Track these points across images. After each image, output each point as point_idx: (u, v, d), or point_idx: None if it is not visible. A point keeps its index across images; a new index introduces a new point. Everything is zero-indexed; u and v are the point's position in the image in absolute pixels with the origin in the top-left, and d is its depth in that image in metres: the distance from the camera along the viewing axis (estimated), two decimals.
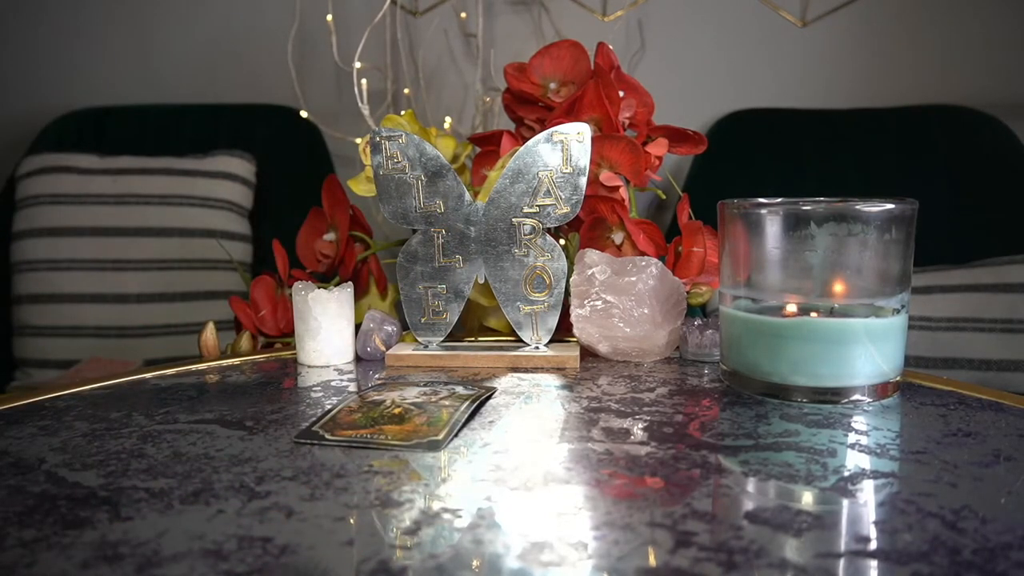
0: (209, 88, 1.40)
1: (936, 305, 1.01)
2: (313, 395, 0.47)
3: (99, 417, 0.42)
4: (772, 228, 0.43)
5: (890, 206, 0.42)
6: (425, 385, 0.47)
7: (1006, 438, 0.37)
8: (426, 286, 0.55)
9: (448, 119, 1.07)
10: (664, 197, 0.70)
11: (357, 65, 1.03)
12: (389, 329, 0.56)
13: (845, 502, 0.30)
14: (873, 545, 0.27)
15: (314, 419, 0.41)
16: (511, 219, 0.53)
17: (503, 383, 0.49)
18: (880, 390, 0.43)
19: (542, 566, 0.25)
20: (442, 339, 0.56)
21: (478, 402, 0.43)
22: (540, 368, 0.52)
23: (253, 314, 0.64)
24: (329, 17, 1.21)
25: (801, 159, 1.23)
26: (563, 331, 0.57)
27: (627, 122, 0.63)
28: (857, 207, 0.41)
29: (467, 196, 0.54)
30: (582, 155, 0.52)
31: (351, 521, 0.29)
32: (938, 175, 1.18)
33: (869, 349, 0.42)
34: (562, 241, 0.61)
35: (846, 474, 0.33)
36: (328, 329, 0.54)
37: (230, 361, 0.57)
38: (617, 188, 0.60)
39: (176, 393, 0.47)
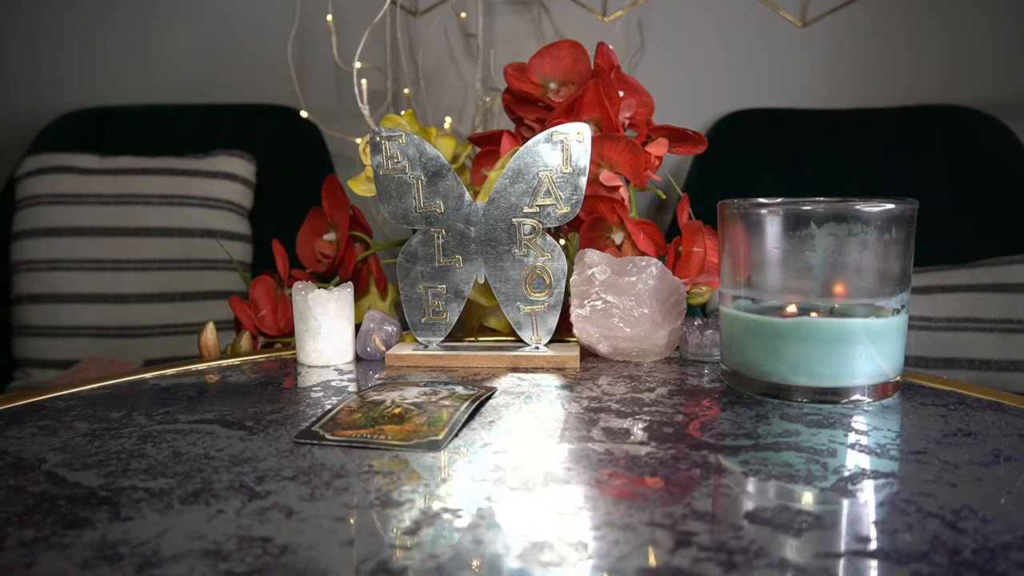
0: (209, 88, 1.40)
1: (936, 305, 1.01)
2: (313, 395, 0.47)
3: (99, 417, 0.42)
4: (772, 228, 0.43)
5: (890, 206, 0.42)
6: (425, 385, 0.47)
7: (1006, 438, 0.37)
8: (426, 286, 0.55)
9: (448, 119, 1.07)
10: (664, 197, 0.70)
11: (357, 65, 1.03)
12: (389, 329, 0.56)
13: (845, 502, 0.30)
14: (873, 545, 0.27)
15: (314, 419, 0.41)
16: (511, 219, 0.53)
17: (503, 383, 0.49)
18: (880, 390, 0.43)
19: (542, 566, 0.25)
20: (442, 339, 0.56)
21: (478, 402, 0.43)
22: (540, 368, 0.52)
23: (253, 314, 0.64)
24: (329, 17, 1.21)
25: (801, 159, 1.23)
26: (563, 331, 0.57)
27: (627, 122, 0.63)
28: (857, 207, 0.41)
29: (467, 196, 0.54)
30: (582, 155, 0.52)
31: (351, 521, 0.29)
32: (938, 175, 1.18)
33: (869, 349, 0.42)
34: (562, 241, 0.61)
35: (846, 474, 0.33)
36: (328, 329, 0.54)
37: (230, 361, 0.57)
38: (617, 188, 0.60)
39: (176, 393, 0.47)
